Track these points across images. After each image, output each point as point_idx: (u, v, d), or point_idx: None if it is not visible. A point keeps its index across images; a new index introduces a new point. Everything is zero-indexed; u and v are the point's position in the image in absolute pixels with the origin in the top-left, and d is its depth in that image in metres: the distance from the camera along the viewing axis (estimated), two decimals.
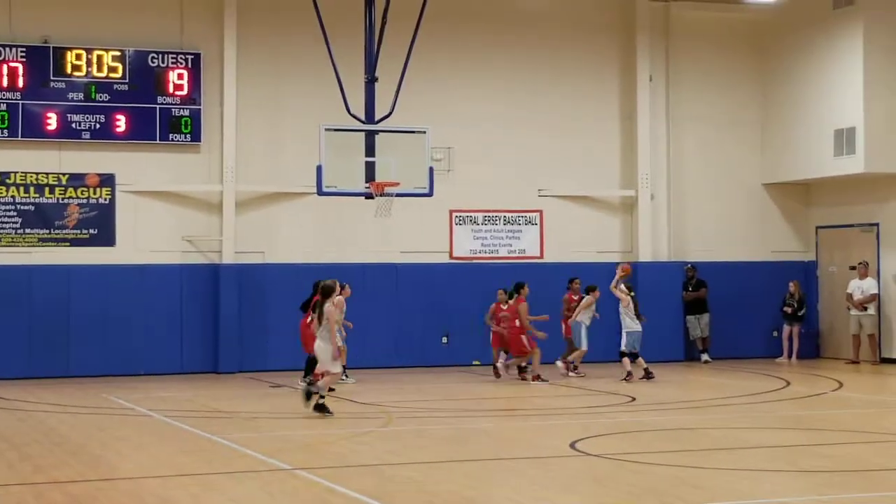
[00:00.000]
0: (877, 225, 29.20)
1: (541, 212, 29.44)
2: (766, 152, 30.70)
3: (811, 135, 29.14)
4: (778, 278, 30.13)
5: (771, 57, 30.56)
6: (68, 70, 26.42)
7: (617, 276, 24.98)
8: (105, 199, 26.80)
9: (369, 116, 23.85)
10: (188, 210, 27.40)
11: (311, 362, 22.05)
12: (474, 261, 28.89)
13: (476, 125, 28.90)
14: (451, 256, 28.90)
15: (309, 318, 22.46)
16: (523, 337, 24.63)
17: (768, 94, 30.62)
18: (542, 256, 29.42)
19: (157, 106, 26.90)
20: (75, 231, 26.62)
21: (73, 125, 26.42)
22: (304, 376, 22.85)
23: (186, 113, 27.05)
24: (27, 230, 26.34)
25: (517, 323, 24.66)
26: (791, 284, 29.67)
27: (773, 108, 30.48)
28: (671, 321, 29.38)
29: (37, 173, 26.42)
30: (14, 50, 26.19)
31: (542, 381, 24.37)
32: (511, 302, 25.07)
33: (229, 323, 27.10)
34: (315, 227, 28.00)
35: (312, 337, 21.56)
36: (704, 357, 29.17)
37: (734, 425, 18.91)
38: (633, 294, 24.88)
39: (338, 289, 21.21)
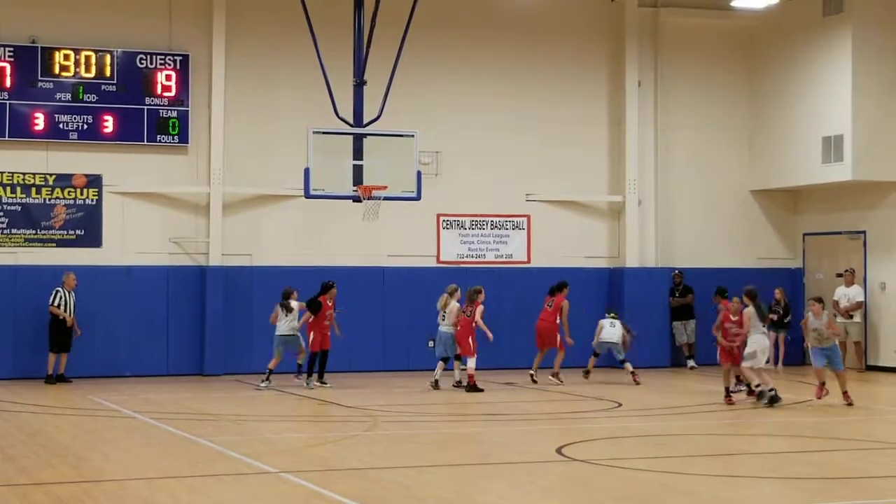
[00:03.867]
0: (864, 233, 29.23)
1: (528, 216, 29.43)
2: (754, 159, 30.72)
3: (799, 142, 29.18)
4: (764, 285, 30.05)
5: (760, 64, 30.59)
6: (56, 70, 26.36)
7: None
8: (92, 200, 26.74)
9: (357, 120, 23.84)
10: (175, 212, 27.34)
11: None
12: (461, 265, 28.85)
13: (464, 130, 28.90)
14: (438, 261, 28.88)
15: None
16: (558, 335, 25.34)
17: (757, 100, 30.65)
18: (529, 261, 29.40)
19: (145, 107, 26.84)
20: (62, 232, 26.54)
21: (61, 125, 26.35)
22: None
23: (174, 114, 27.00)
24: (13, 230, 26.26)
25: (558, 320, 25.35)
26: (777, 291, 29.63)
27: (762, 114, 30.51)
28: (657, 327, 29.36)
29: (23, 173, 26.34)
30: (1, 49, 26.11)
31: (559, 381, 24.98)
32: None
33: (215, 325, 27.04)
34: (302, 230, 27.95)
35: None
36: (690, 363, 29.17)
37: (720, 432, 18.94)
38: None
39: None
